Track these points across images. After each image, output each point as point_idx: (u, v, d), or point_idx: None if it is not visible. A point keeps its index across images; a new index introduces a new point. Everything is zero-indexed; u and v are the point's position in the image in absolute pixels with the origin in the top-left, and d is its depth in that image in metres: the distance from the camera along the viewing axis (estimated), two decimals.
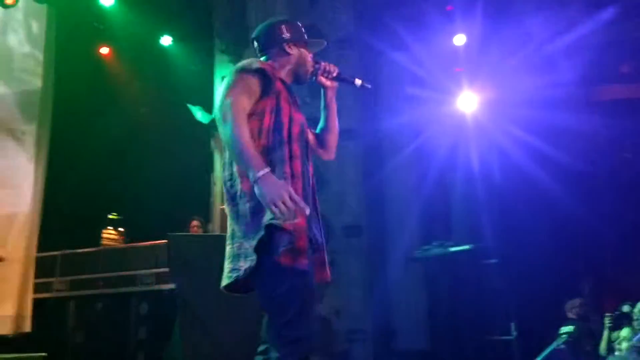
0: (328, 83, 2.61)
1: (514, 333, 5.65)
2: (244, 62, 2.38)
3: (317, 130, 2.66)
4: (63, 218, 6.85)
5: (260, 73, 2.33)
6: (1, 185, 6.08)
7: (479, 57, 6.28)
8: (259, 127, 2.29)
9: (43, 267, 6.15)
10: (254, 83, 2.30)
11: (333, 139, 2.64)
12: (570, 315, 5.66)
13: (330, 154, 2.66)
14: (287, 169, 2.25)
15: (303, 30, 2.62)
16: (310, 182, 2.39)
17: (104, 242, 6.36)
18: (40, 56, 6.64)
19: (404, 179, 7.01)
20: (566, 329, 5.47)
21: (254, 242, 2.18)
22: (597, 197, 5.63)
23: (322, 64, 2.60)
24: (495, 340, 5.75)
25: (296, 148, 2.31)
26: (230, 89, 2.26)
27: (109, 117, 7.65)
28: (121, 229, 6.68)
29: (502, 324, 5.71)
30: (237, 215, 2.27)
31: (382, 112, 6.95)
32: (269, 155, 2.25)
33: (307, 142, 2.46)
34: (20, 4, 6.29)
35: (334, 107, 2.64)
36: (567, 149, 5.72)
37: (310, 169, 2.43)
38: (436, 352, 6.31)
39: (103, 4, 6.93)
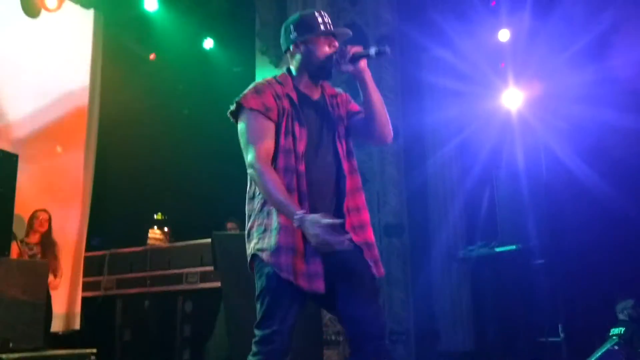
0: (349, 68, 2.37)
1: (562, 334, 5.51)
2: (242, 97, 2.44)
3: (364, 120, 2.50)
4: (110, 219, 7.00)
5: (257, 112, 2.39)
6: (51, 188, 6.26)
7: (525, 53, 6.16)
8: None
9: (91, 267, 6.31)
10: (263, 122, 2.38)
11: (379, 126, 2.44)
12: (622, 316, 5.48)
13: (381, 141, 2.50)
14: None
15: (319, 20, 2.43)
16: (330, 187, 2.43)
17: (150, 241, 6.47)
18: (87, 61, 6.83)
19: (446, 177, 6.92)
20: (617, 330, 5.31)
21: (248, 260, 2.42)
22: None
23: (336, 52, 2.40)
24: (542, 341, 5.62)
25: (290, 162, 2.37)
26: (246, 142, 2.38)
27: (155, 120, 7.80)
28: (166, 229, 6.79)
29: (549, 326, 5.58)
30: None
31: (425, 108, 6.88)
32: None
33: (331, 145, 2.46)
34: (66, 9, 6.46)
35: (368, 92, 2.41)
36: (616, 146, 5.55)
37: (346, 167, 2.44)
38: (481, 354, 6.21)
39: (147, 10, 7.07)
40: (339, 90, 2.61)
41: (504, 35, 6.47)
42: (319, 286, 2.28)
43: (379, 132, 2.46)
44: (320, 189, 2.40)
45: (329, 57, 2.42)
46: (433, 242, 6.79)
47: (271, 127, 2.38)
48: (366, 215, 2.48)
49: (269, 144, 2.36)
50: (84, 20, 6.85)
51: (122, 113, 7.32)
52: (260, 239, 2.36)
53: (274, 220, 2.34)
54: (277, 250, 2.30)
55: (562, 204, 5.77)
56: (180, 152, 7.76)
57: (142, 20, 7.28)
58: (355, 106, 2.56)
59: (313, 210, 2.31)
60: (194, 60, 7.88)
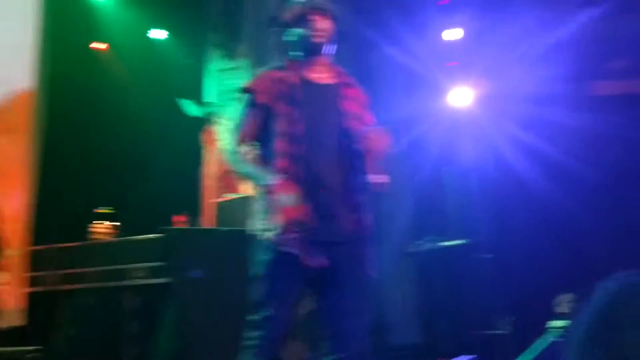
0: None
1: (508, 327, 5.66)
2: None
3: None
4: (55, 212, 6.81)
5: (250, 95, 2.51)
6: None
7: (476, 51, 6.27)
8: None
9: (36, 261, 6.11)
10: (252, 105, 2.50)
11: None
12: (561, 310, 5.66)
13: None
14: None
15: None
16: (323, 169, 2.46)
17: (95, 235, 6.31)
18: (33, 50, 6.59)
19: (397, 174, 6.98)
20: (556, 323, 5.47)
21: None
22: (592, 193, 5.64)
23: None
24: (489, 334, 5.76)
25: (284, 146, 2.41)
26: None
27: (102, 112, 7.62)
28: (113, 223, 6.63)
29: (496, 319, 5.72)
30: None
31: (375, 108, 6.90)
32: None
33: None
34: None
35: None
36: (562, 145, 5.72)
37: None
38: (429, 347, 6.32)
39: None
40: (354, 81, 2.65)
41: (455, 33, 6.57)
42: (323, 261, 2.30)
43: None
44: (322, 175, 2.43)
45: (302, 30, 2.49)
46: (383, 238, 6.85)
47: (260, 110, 2.45)
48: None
49: (250, 127, 2.48)
50: (28, 6, 6.60)
51: (70, 104, 7.12)
52: (265, 219, 2.38)
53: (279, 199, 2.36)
54: (282, 228, 2.32)
55: (509, 201, 5.92)
56: (129, 145, 7.61)
57: (90, 8, 7.09)
58: (368, 118, 2.67)
59: (312, 193, 2.36)
60: (143, 51, 7.73)
